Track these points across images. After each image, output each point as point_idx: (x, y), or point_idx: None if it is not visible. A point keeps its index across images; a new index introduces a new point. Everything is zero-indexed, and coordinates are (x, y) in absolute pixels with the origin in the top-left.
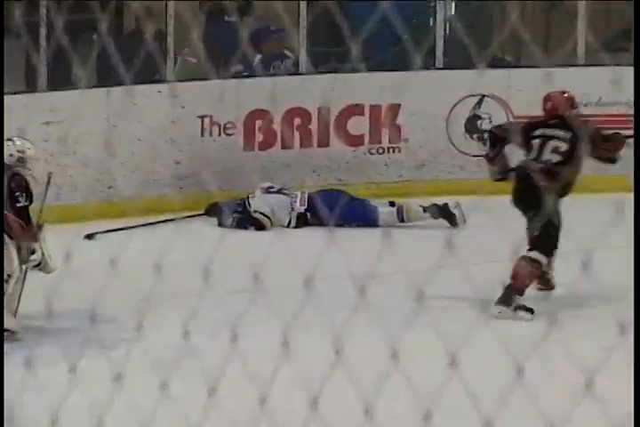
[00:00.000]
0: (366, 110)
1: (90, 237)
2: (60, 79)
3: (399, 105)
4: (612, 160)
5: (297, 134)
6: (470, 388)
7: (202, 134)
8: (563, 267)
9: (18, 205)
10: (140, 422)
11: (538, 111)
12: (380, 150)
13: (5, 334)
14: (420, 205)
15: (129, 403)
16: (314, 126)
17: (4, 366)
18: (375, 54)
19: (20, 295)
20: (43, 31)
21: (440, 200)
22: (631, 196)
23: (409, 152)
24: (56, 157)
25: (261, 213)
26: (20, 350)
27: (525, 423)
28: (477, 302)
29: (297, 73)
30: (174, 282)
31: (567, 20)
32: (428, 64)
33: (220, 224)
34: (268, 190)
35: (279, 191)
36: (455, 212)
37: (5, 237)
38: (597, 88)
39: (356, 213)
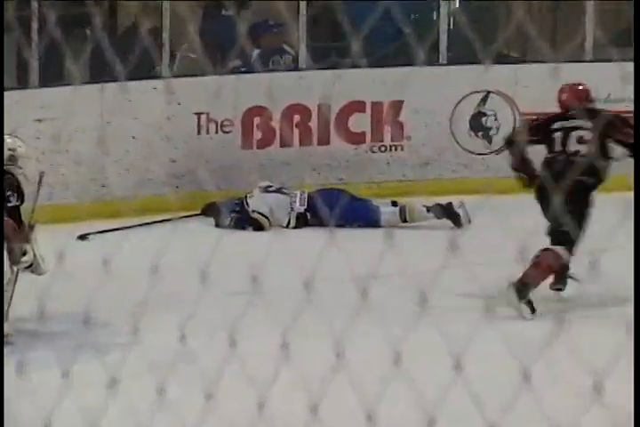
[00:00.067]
0: (368, 107)
1: (83, 237)
2: (53, 75)
3: (402, 102)
4: (634, 145)
5: (296, 132)
6: (475, 391)
7: (198, 132)
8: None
9: (9, 204)
10: None
11: (545, 108)
12: (382, 148)
13: None
14: (424, 205)
15: (124, 408)
16: (314, 124)
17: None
18: (377, 49)
19: (11, 298)
20: (34, 25)
21: (444, 200)
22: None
23: (412, 150)
24: (48, 155)
25: (260, 213)
26: (11, 355)
27: None
28: (482, 304)
29: (296, 68)
30: (170, 284)
31: (574, 18)
32: (432, 59)
33: (218, 224)
34: (266, 190)
35: (278, 191)
36: (459, 211)
37: None
38: (606, 84)
39: (358, 213)
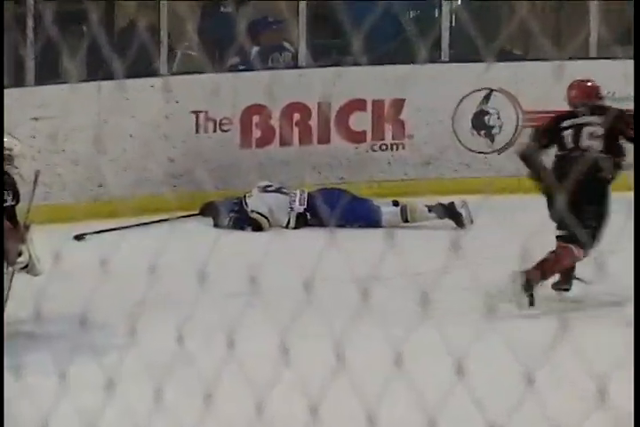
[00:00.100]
0: (369, 105)
1: (79, 237)
2: (49, 73)
3: (403, 100)
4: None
5: (296, 130)
6: (477, 394)
7: (196, 131)
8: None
9: (4, 204)
10: None
11: (548, 106)
12: (384, 147)
13: None
14: (425, 205)
15: (122, 411)
16: (314, 122)
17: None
18: (378, 47)
19: (6, 299)
20: (30, 23)
21: (446, 199)
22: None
23: (413, 149)
24: (44, 154)
25: (259, 213)
26: (7, 357)
27: None
28: (485, 305)
29: (296, 66)
30: (168, 285)
31: (578, 15)
32: (434, 57)
33: (216, 225)
34: (265, 189)
35: (277, 190)
36: (462, 211)
37: None
38: (610, 82)
39: (358, 213)
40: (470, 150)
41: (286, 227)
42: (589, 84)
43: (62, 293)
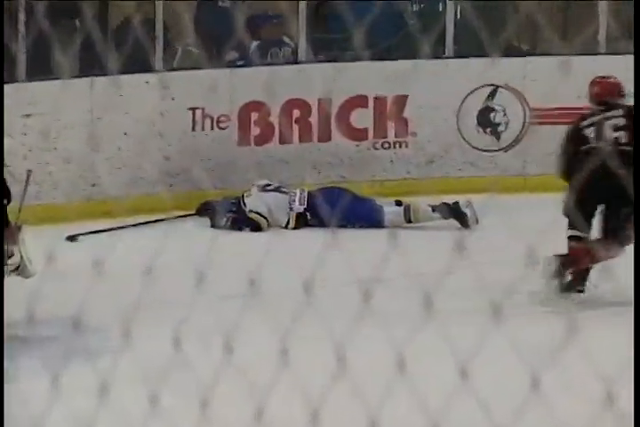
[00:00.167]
0: (370, 102)
1: (72, 238)
2: (41, 69)
3: (406, 96)
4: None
5: (296, 128)
6: (482, 397)
7: (193, 128)
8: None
9: None
10: None
11: (555, 102)
12: (386, 145)
13: None
14: (429, 205)
15: (116, 417)
16: (314, 119)
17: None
18: (380, 41)
19: None
20: (22, 17)
21: (450, 199)
22: None
23: (417, 147)
24: (36, 152)
25: (257, 213)
26: None
27: None
28: (489, 308)
29: (296, 61)
30: (164, 287)
31: (587, 9)
32: (438, 52)
33: (213, 225)
34: (264, 188)
35: (277, 189)
36: (466, 211)
37: None
38: (620, 78)
39: (360, 213)
40: (475, 148)
41: (286, 227)
42: (612, 80)
43: (55, 295)
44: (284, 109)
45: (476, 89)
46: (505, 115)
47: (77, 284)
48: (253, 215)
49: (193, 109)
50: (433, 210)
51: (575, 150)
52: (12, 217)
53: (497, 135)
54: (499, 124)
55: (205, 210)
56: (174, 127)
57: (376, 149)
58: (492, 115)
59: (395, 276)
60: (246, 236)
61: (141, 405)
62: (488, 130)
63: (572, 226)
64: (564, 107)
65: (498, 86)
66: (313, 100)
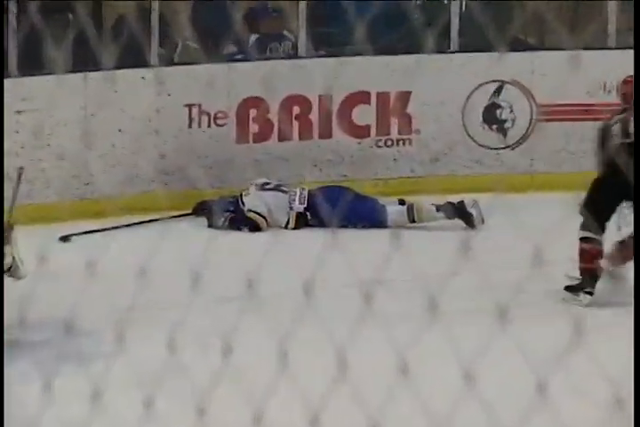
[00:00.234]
0: (373, 98)
1: (65, 239)
2: (33, 64)
3: (409, 92)
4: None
5: (296, 125)
6: (487, 402)
7: (190, 125)
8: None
9: None
10: None
11: (564, 99)
12: (389, 143)
13: None
14: (433, 204)
15: (110, 423)
16: (314, 116)
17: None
18: (383, 35)
19: None
20: (13, 9)
21: (455, 198)
22: None
23: (420, 145)
24: (28, 149)
25: (256, 213)
26: None
27: None
28: (495, 310)
29: (296, 56)
30: (159, 289)
31: (596, 4)
32: (442, 46)
33: (211, 225)
34: (263, 187)
35: (276, 188)
36: (472, 211)
37: None
38: (631, 72)
39: (362, 213)
40: (481, 146)
41: (285, 227)
42: None
43: (47, 297)
44: (284, 106)
45: (481, 85)
46: (512, 111)
47: (70, 286)
48: (252, 215)
49: (189, 106)
50: (437, 209)
51: (603, 148)
52: (4, 216)
53: (503, 132)
54: (505, 121)
55: (202, 209)
56: (170, 124)
57: (379, 146)
58: (498, 111)
59: (397, 277)
60: (245, 236)
61: (136, 410)
62: (494, 127)
63: (584, 227)
64: (573, 103)
65: (504, 82)
66: (313, 97)
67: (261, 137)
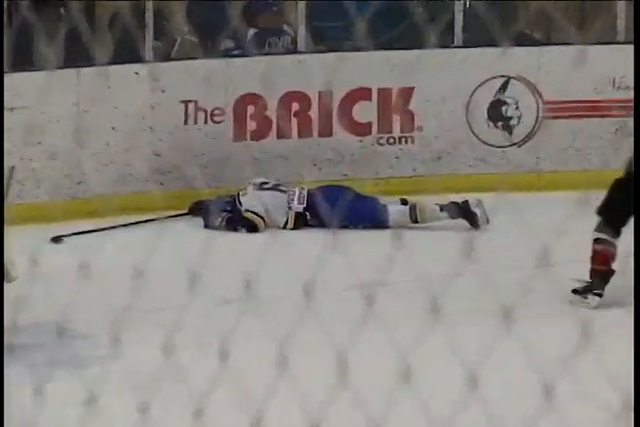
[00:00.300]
0: (374, 94)
1: (57, 240)
2: (24, 59)
3: (412, 88)
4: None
5: (295, 122)
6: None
7: (185, 122)
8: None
9: None
10: None
11: (571, 95)
12: (391, 140)
13: None
14: (436, 204)
15: None
16: (314, 113)
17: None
18: (385, 30)
19: None
20: (4, 4)
21: (459, 197)
22: None
23: (423, 143)
24: (19, 147)
25: (254, 213)
26: None
27: None
28: (499, 311)
29: (295, 51)
30: (155, 291)
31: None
32: (446, 41)
33: (207, 225)
34: (261, 187)
35: (274, 188)
36: (476, 211)
37: None
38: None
39: (363, 213)
40: (486, 144)
41: (284, 227)
42: None
43: (39, 300)
44: (283, 102)
45: (486, 81)
46: (517, 108)
47: (63, 288)
48: (249, 215)
49: (185, 102)
50: (441, 209)
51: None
52: None
53: (509, 130)
54: (511, 118)
55: (198, 209)
56: (165, 121)
57: (380, 144)
58: (503, 108)
59: (399, 279)
60: (242, 236)
61: (132, 415)
62: (499, 124)
63: (600, 228)
64: (580, 100)
65: (510, 78)
66: (313, 93)
67: (259, 135)
